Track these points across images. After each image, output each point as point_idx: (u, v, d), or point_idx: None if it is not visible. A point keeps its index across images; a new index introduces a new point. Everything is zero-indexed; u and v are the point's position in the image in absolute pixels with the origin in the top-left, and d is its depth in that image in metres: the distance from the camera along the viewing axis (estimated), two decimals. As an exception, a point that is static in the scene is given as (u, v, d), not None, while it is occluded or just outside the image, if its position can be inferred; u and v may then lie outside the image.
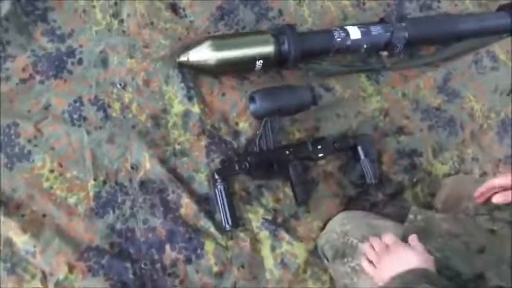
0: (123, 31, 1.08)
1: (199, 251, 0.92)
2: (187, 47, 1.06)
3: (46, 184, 0.90)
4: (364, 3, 1.27)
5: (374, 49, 1.19)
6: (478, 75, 1.23)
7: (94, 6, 1.07)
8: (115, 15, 1.08)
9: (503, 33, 1.29)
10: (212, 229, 0.95)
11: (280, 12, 1.20)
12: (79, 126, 0.97)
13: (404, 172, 1.09)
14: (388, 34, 1.17)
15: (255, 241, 0.96)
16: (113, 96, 1.01)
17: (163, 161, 0.98)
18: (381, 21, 1.21)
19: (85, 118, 0.98)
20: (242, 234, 0.96)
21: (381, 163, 1.10)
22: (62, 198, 0.90)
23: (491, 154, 1.18)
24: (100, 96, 1.00)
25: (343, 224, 0.93)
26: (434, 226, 0.81)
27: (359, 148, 1.07)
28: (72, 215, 0.89)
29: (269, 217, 0.98)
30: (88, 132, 0.96)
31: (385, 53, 1.24)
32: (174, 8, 1.15)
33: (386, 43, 1.17)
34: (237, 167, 0.98)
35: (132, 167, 0.96)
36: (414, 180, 1.09)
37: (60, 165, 0.93)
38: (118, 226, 0.91)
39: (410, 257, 0.68)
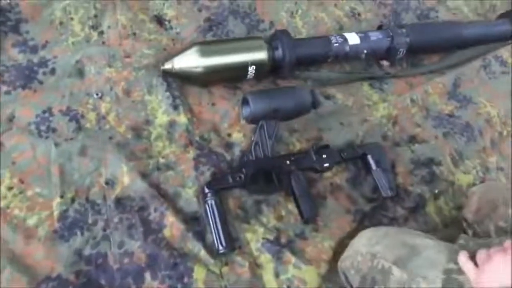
0: (103, 42, 0.99)
1: (186, 279, 0.75)
2: (173, 56, 0.97)
3: (2, 203, 0.75)
4: (359, 14, 1.21)
5: (375, 55, 1.11)
6: (489, 80, 1.15)
7: (72, 18, 1.00)
8: (95, 27, 1.01)
9: (506, 40, 1.22)
10: (203, 253, 0.78)
11: (272, 24, 1.14)
12: (47, 138, 0.84)
13: (423, 183, 0.95)
14: (388, 39, 1.09)
15: (255, 265, 0.79)
16: (88, 106, 0.90)
17: (144, 175, 0.84)
18: (379, 28, 1.15)
19: (54, 130, 0.85)
20: (239, 258, 0.79)
21: (395, 174, 0.96)
22: (20, 219, 0.75)
23: (517, 163, 1.05)
24: (73, 107, 0.89)
25: (371, 245, 0.75)
26: None
27: (369, 157, 0.94)
28: (30, 239, 0.73)
29: (271, 237, 0.82)
30: (57, 144, 0.83)
31: (386, 63, 1.16)
32: (159, 21, 1.08)
33: (387, 49, 1.10)
34: (230, 180, 0.84)
35: (106, 183, 0.81)
36: (436, 191, 0.94)
37: (21, 181, 0.78)
38: (87, 251, 0.75)
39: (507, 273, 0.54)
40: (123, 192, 0.81)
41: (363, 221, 0.88)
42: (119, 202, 0.80)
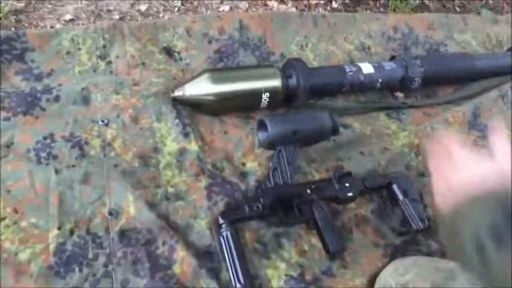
0: (110, 72, 0.96)
1: (200, 323, 0.64)
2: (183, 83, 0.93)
3: (-9, 236, 0.66)
4: (369, 48, 1.20)
5: (390, 85, 1.08)
6: (507, 110, 1.10)
7: (79, 48, 0.97)
8: (103, 56, 0.98)
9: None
10: (218, 293, 0.68)
11: (283, 56, 1.12)
12: (47, 164, 0.77)
13: (454, 215, 0.87)
14: (402, 69, 1.07)
15: (278, 307, 0.69)
16: (93, 133, 0.84)
17: (152, 205, 0.76)
18: (392, 59, 1.13)
19: (55, 156, 0.78)
20: (258, 301, 0.69)
21: (424, 206, 0.88)
22: (11, 253, 0.65)
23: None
24: (77, 133, 0.83)
25: (399, 275, 0.68)
26: None
27: (395, 186, 0.87)
28: (21, 276, 0.64)
29: (295, 274, 0.72)
30: (57, 171, 0.76)
31: (401, 94, 1.13)
32: (168, 52, 1.06)
33: (402, 78, 1.07)
34: (247, 209, 0.76)
35: (110, 213, 0.73)
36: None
37: (15, 211, 0.70)
38: (86, 290, 0.64)
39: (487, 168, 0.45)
40: (128, 223, 0.73)
41: (395, 255, 0.79)
42: (124, 234, 0.71)
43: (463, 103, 1.11)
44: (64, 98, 0.88)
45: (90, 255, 0.68)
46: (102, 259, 0.68)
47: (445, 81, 1.15)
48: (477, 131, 1.06)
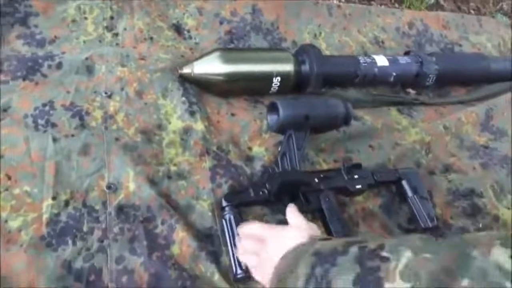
0: (117, 44, 0.92)
1: (197, 308, 0.61)
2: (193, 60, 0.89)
3: (-19, 201, 0.62)
4: (383, 42, 1.17)
5: (403, 80, 1.05)
6: (521, 114, 1.08)
7: (86, 18, 0.93)
8: (109, 28, 0.94)
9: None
10: (217, 277, 0.64)
11: (295, 43, 1.08)
12: (44, 132, 0.73)
13: (464, 216, 0.85)
14: (417, 64, 1.04)
15: (279, 296, 0.65)
16: (95, 104, 0.80)
17: (153, 183, 0.72)
18: (407, 54, 1.10)
19: (53, 125, 0.74)
20: (259, 286, 0.65)
21: (433, 205, 0.85)
22: (1, 220, 0.61)
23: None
24: (78, 103, 0.79)
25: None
26: None
27: (404, 182, 0.84)
28: (10, 244, 0.59)
29: (298, 263, 0.69)
30: (55, 140, 0.72)
31: (413, 91, 1.10)
32: (177, 29, 1.02)
33: (417, 74, 1.04)
34: (252, 194, 0.73)
35: (109, 187, 0.69)
36: (480, 225, 0.83)
37: (8, 177, 0.66)
38: (78, 264, 0.61)
39: (292, 235, 0.56)
40: (127, 199, 0.69)
41: (402, 252, 0.75)
42: (122, 210, 0.67)
43: (476, 104, 1.09)
44: (66, 66, 0.84)
45: (85, 229, 0.64)
46: (97, 234, 0.64)
47: (459, 80, 1.12)
48: (489, 133, 1.03)
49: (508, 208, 0.89)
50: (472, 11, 1.54)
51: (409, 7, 1.40)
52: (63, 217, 0.64)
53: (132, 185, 0.70)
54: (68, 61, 0.84)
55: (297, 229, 0.58)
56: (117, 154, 0.73)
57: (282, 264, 0.53)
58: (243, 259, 0.63)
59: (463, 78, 1.12)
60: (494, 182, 0.91)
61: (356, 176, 0.81)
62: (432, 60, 1.05)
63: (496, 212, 0.86)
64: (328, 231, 0.74)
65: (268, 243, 0.57)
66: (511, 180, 0.91)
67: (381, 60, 1.02)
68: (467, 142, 0.99)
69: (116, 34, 0.93)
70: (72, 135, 0.74)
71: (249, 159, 0.82)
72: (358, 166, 0.82)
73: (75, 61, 0.85)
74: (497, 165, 0.94)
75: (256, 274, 0.60)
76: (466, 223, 0.83)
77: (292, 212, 0.64)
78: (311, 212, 0.76)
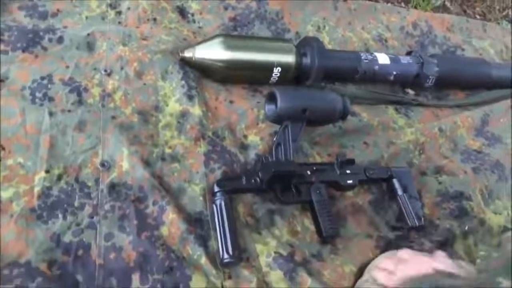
0: (119, 22, 0.91)
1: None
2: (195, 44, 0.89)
3: (-27, 169, 0.62)
4: (386, 40, 1.17)
5: (403, 79, 1.05)
6: (516, 122, 1.09)
7: (90, -6, 0.92)
8: (113, 6, 0.93)
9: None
10: (204, 260, 0.65)
11: (298, 35, 1.08)
12: (41, 105, 0.73)
13: (451, 218, 0.86)
14: (418, 65, 1.04)
15: (263, 283, 0.66)
16: (94, 81, 0.80)
17: (147, 163, 0.72)
18: (409, 54, 1.10)
19: (51, 98, 0.74)
20: (245, 272, 0.66)
21: (422, 205, 0.86)
22: (-8, 190, 0.62)
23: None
24: (77, 79, 0.79)
25: (391, 266, 0.66)
26: None
27: (395, 181, 0.85)
28: (1, 213, 0.60)
29: (285, 253, 0.70)
30: (52, 114, 0.72)
31: (411, 92, 1.10)
32: (181, 12, 1.01)
33: (417, 74, 1.04)
34: (244, 181, 0.73)
35: (102, 164, 0.70)
36: (466, 228, 0.84)
37: (2, 148, 0.66)
38: (67, 238, 0.61)
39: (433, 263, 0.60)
40: (119, 177, 0.69)
41: (387, 249, 0.77)
42: (114, 188, 0.68)
43: (472, 109, 1.09)
44: (67, 41, 0.83)
45: (76, 204, 0.64)
46: (88, 210, 0.64)
47: (459, 84, 1.12)
48: (483, 138, 1.04)
49: (495, 213, 0.90)
50: (477, 16, 1.54)
51: (415, 7, 1.39)
52: (55, 191, 0.64)
53: (126, 164, 0.71)
54: (69, 36, 0.84)
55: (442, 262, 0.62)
56: (113, 132, 0.74)
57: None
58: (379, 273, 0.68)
59: (463, 82, 1.12)
60: (484, 186, 0.92)
61: (348, 171, 0.81)
62: (433, 62, 1.05)
63: (483, 216, 0.87)
64: (316, 224, 0.75)
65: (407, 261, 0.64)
66: None
67: (383, 58, 1.02)
68: (461, 146, 1.00)
69: (120, 13, 0.93)
70: (69, 111, 0.74)
71: (244, 147, 0.82)
72: (351, 161, 0.83)
73: (77, 37, 0.84)
74: (488, 171, 0.95)
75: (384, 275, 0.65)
76: (453, 224, 0.84)
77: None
78: (301, 203, 0.77)
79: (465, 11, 1.52)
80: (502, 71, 1.15)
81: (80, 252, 0.60)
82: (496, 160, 0.98)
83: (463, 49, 1.24)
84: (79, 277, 0.58)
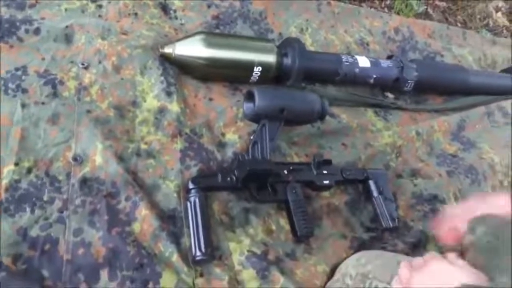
0: (99, 16, 0.90)
1: (151, 285, 0.61)
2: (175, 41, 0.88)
3: None
4: (368, 44, 1.18)
5: (383, 83, 1.06)
6: (492, 128, 1.11)
7: (70, -14, 0.90)
8: (94, -1, 0.91)
9: (507, 94, 1.21)
10: (175, 258, 0.65)
11: (281, 35, 1.08)
12: (14, 96, 0.71)
13: (425, 220, 0.87)
14: (398, 69, 1.05)
15: (235, 281, 0.66)
16: (70, 74, 0.78)
17: (121, 159, 0.71)
18: (389, 58, 1.11)
19: (24, 90, 0.73)
20: (217, 270, 0.66)
21: (396, 207, 0.87)
22: (-42, 181, 0.60)
23: (518, 216, 0.99)
24: (52, 71, 0.77)
25: (361, 265, 0.66)
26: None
27: (371, 182, 0.86)
28: (-36, 206, 0.58)
29: (258, 251, 0.70)
30: (24, 106, 0.71)
31: (391, 95, 1.11)
32: (164, 8, 1.00)
33: (396, 78, 1.05)
34: (220, 179, 0.73)
35: (75, 159, 0.68)
36: (439, 230, 0.85)
37: (-30, 139, 0.64)
38: (34, 232, 0.60)
39: (450, 272, 0.50)
40: (92, 172, 0.68)
41: (361, 249, 0.78)
42: (85, 182, 0.67)
43: (450, 114, 1.11)
44: (44, 33, 0.82)
45: (46, 198, 0.63)
46: (57, 204, 0.63)
47: (437, 89, 1.14)
48: (459, 143, 1.06)
49: (468, 217, 0.91)
50: (459, 24, 1.57)
51: (398, 13, 1.41)
52: (23, 184, 0.63)
53: (99, 158, 0.70)
54: (46, 28, 0.83)
55: (458, 269, 0.51)
56: (87, 126, 0.72)
57: None
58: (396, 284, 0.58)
59: (441, 88, 1.14)
60: (457, 190, 0.93)
61: (325, 172, 0.82)
62: (413, 67, 1.07)
63: (456, 219, 0.88)
64: (291, 223, 0.75)
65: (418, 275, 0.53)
66: None
67: (363, 61, 1.03)
68: (437, 150, 1.01)
69: (100, 6, 0.92)
70: (43, 103, 0.72)
71: (222, 145, 0.82)
72: (328, 162, 0.83)
73: (54, 29, 0.83)
74: (462, 175, 0.97)
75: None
76: (426, 226, 0.85)
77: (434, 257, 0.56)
78: (277, 202, 0.77)
79: (446, 19, 1.54)
80: (480, 78, 1.18)
81: (47, 246, 0.59)
82: (470, 165, 1.00)
83: (442, 55, 1.26)
84: (45, 272, 0.57)
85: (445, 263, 0.52)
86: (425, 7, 1.49)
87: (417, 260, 0.56)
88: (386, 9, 1.41)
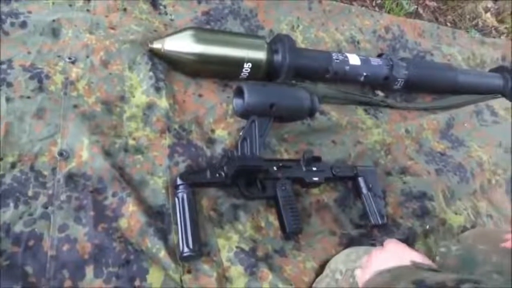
0: (87, 10, 0.89)
1: (138, 282, 0.60)
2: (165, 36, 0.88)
3: None
4: (358, 42, 1.18)
5: (373, 81, 1.06)
6: (480, 127, 1.13)
7: (57, -21, 0.89)
8: (82, -7, 0.90)
9: (495, 93, 1.23)
10: (163, 254, 0.64)
11: (272, 32, 1.08)
12: (-2, 90, 0.69)
13: (413, 217, 0.87)
14: (388, 67, 1.06)
15: (223, 278, 0.66)
16: (57, 68, 0.77)
17: (108, 154, 0.70)
18: (379, 56, 1.12)
19: (9, 84, 0.72)
20: (205, 267, 0.65)
21: (385, 204, 0.87)
22: None
23: (505, 214, 1.00)
24: (38, 65, 0.76)
25: (350, 261, 0.66)
26: (478, 254, 0.58)
27: (361, 179, 0.86)
28: None
29: (246, 248, 0.69)
30: (9, 99, 0.69)
31: (381, 94, 1.11)
32: (153, 3, 1.00)
33: (386, 77, 1.06)
34: (209, 175, 0.72)
35: (60, 154, 0.67)
36: (427, 227, 0.86)
37: (-47, 133, 0.63)
38: (18, 228, 0.59)
39: (405, 252, 0.56)
40: (78, 167, 0.67)
41: (350, 246, 0.78)
42: (71, 178, 0.66)
43: (439, 112, 1.12)
44: (31, 26, 0.81)
45: (30, 193, 0.62)
46: (42, 199, 0.62)
47: (427, 87, 1.15)
48: (448, 141, 1.07)
49: (456, 213, 0.92)
50: (448, 24, 1.58)
51: (388, 12, 1.42)
52: (7, 179, 0.62)
53: (86, 154, 0.69)
54: (33, 21, 0.81)
55: (398, 252, 0.56)
56: (74, 121, 0.71)
57: (376, 281, 0.51)
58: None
59: (431, 86, 1.15)
60: (446, 187, 0.94)
61: (314, 169, 0.82)
62: (403, 65, 1.07)
63: (444, 216, 0.89)
64: (280, 220, 0.75)
65: (373, 255, 0.58)
66: None
67: (354, 59, 1.03)
68: (426, 148, 1.02)
69: (88, 0, 0.91)
70: (28, 97, 0.71)
71: (211, 142, 0.81)
72: (317, 159, 0.83)
73: (41, 22, 0.82)
74: (451, 172, 0.97)
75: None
76: (414, 223, 0.86)
77: (392, 241, 0.61)
78: (266, 198, 0.77)
79: (437, 19, 1.55)
80: (469, 77, 1.19)
81: (31, 242, 0.58)
82: (458, 163, 1.01)
83: (432, 54, 1.27)
84: (29, 269, 0.56)
85: (401, 245, 0.58)
86: (416, 6, 1.49)
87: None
88: (377, 8, 1.42)
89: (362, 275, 0.57)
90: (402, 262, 0.52)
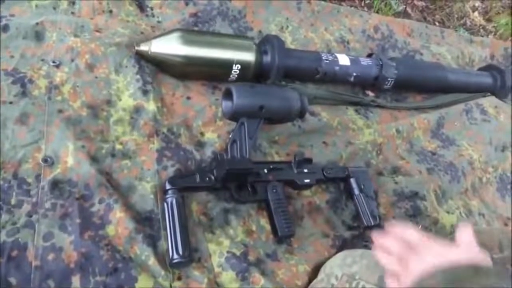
0: (72, 13, 0.87)
1: (126, 290, 0.58)
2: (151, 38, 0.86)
3: None
4: (348, 42, 1.18)
5: (363, 81, 1.06)
6: (470, 125, 1.13)
7: (41, -18, 0.87)
8: (66, -5, 0.88)
9: (484, 91, 1.23)
10: (152, 261, 0.62)
11: (261, 33, 1.07)
12: (-21, 96, 0.67)
13: (406, 217, 0.87)
14: (378, 67, 1.05)
15: (214, 284, 0.64)
16: (40, 72, 0.75)
17: (94, 160, 0.69)
18: (369, 56, 1.11)
19: (-9, 89, 0.69)
20: (196, 273, 0.64)
21: (377, 204, 0.87)
22: None
23: (496, 211, 1.00)
24: (21, 69, 0.74)
25: (346, 265, 0.65)
26: None
27: (352, 180, 0.85)
28: None
29: (238, 253, 0.68)
30: (-9, 105, 0.67)
31: (372, 94, 1.11)
32: (140, 5, 0.98)
33: (376, 77, 1.05)
34: (198, 179, 0.71)
35: (45, 160, 0.65)
36: (419, 227, 0.85)
37: None
38: (1, 238, 0.57)
39: (453, 253, 0.47)
40: (63, 174, 0.65)
41: (343, 248, 0.77)
42: (56, 185, 0.64)
43: (429, 111, 1.12)
44: (13, 30, 0.79)
45: (13, 202, 0.60)
46: (26, 208, 0.60)
47: (417, 87, 1.15)
48: (438, 140, 1.07)
49: (448, 213, 0.92)
50: (437, 23, 1.58)
51: (377, 12, 1.42)
52: (-11, 187, 0.60)
53: (71, 159, 0.67)
54: (15, 24, 0.79)
55: (464, 249, 0.48)
56: (58, 126, 0.70)
57: (430, 283, 0.45)
58: (382, 257, 0.52)
59: (421, 85, 1.15)
60: (437, 187, 0.94)
61: (305, 171, 0.81)
62: (392, 65, 1.07)
63: (436, 215, 0.89)
64: (272, 223, 0.74)
65: (420, 252, 0.49)
66: None
67: (343, 59, 1.02)
68: (417, 147, 1.02)
69: (73, 3, 0.89)
70: (11, 102, 0.69)
71: (200, 145, 0.80)
72: (308, 161, 0.82)
73: (24, 25, 0.80)
74: (442, 171, 0.97)
75: (392, 280, 0.51)
76: (407, 223, 0.85)
77: (465, 230, 0.51)
78: (257, 202, 0.76)
79: (425, 18, 1.56)
80: (458, 76, 1.19)
81: (15, 252, 0.56)
82: (449, 162, 1.01)
83: (421, 54, 1.27)
84: (12, 280, 0.54)
85: (444, 245, 0.49)
86: (404, 6, 1.50)
87: (389, 241, 0.52)
88: (365, 8, 1.42)
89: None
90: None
